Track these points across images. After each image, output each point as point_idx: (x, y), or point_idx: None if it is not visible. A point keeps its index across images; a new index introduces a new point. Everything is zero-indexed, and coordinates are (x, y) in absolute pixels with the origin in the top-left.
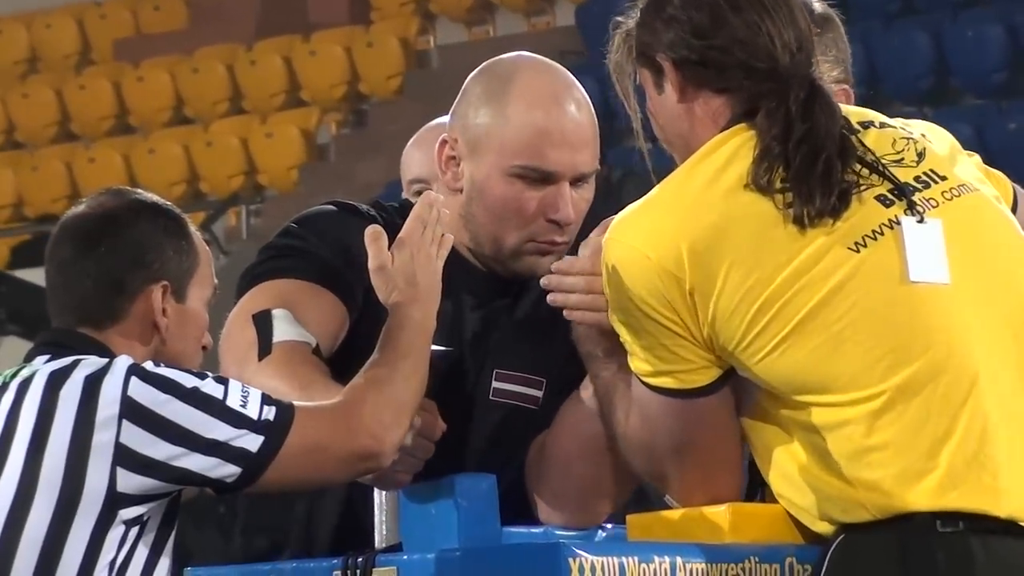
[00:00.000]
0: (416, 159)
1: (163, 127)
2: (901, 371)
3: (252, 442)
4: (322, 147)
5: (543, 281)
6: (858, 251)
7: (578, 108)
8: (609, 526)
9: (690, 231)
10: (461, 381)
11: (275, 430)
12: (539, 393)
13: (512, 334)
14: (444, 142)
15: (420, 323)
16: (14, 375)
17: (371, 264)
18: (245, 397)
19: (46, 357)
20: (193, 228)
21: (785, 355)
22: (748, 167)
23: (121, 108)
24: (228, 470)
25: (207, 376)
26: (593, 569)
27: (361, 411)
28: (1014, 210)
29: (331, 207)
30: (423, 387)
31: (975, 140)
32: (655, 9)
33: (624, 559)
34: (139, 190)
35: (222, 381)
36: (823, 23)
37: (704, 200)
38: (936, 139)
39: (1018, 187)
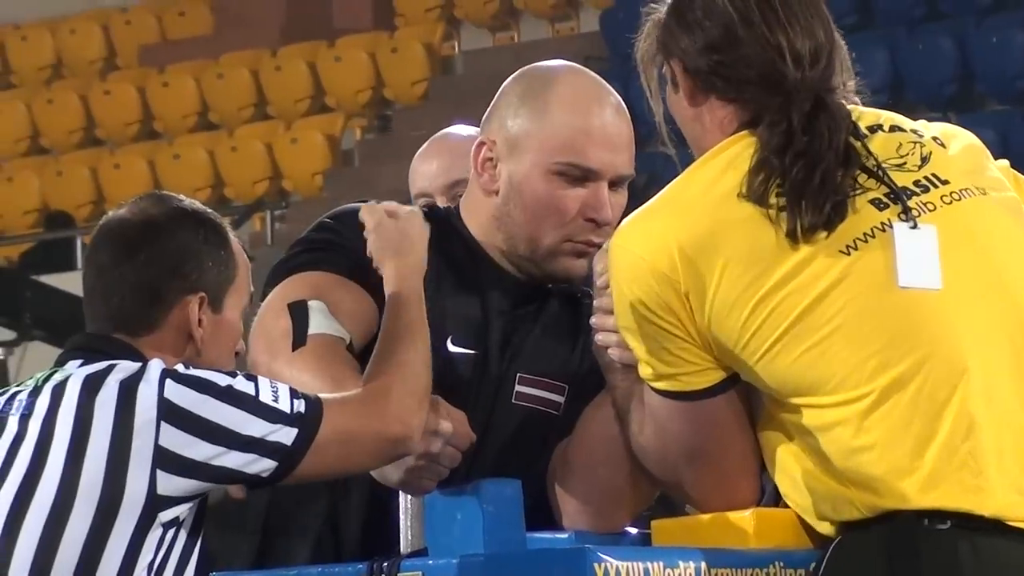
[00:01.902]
0: (421, 172)
1: (188, 132)
2: (888, 372)
3: (286, 435)
4: (347, 152)
5: (593, 321)
6: (848, 254)
7: (617, 111)
8: (634, 531)
9: (684, 234)
10: (485, 383)
11: (307, 422)
12: (560, 399)
13: (537, 339)
14: (481, 144)
15: (419, 298)
16: (47, 379)
17: (368, 224)
18: (275, 392)
19: (79, 361)
20: (233, 236)
21: (777, 358)
22: (744, 175)
23: (146, 113)
24: (264, 465)
25: (237, 374)
26: (618, 574)
27: (388, 398)
28: None
29: (367, 204)
30: (430, 364)
31: (999, 145)
32: (679, 12)
33: (649, 564)
34: (181, 196)
35: (251, 378)
36: None
37: (699, 205)
38: (952, 142)
39: None
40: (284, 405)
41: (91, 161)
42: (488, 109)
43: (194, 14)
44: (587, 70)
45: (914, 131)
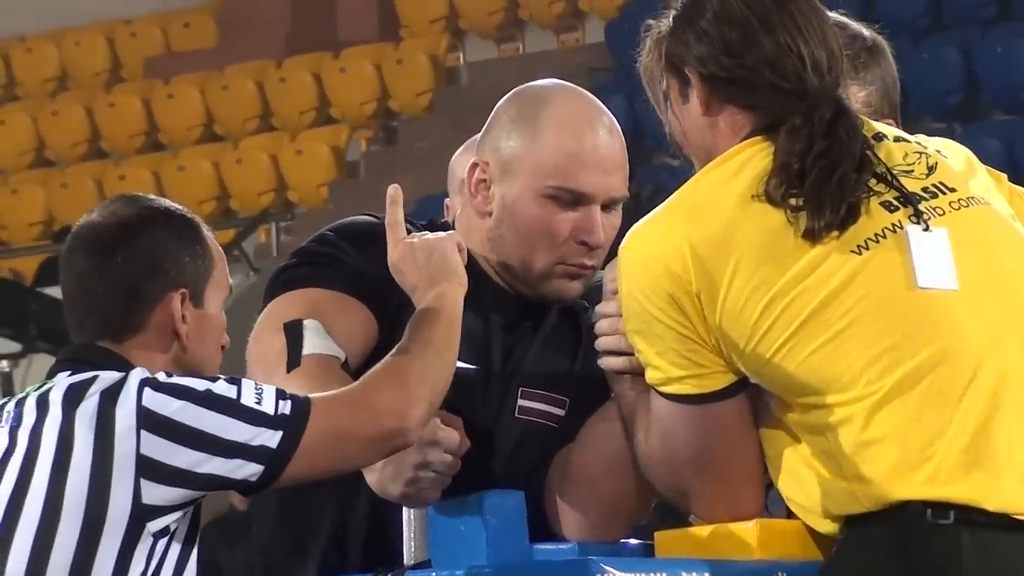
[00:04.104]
0: (468, 157)
1: (193, 144)
2: (899, 368)
3: (271, 438)
4: (352, 164)
5: (597, 326)
6: (860, 254)
7: (610, 133)
8: (636, 542)
9: (696, 234)
10: (488, 398)
11: (293, 423)
12: (561, 412)
13: (537, 354)
14: (475, 165)
15: (455, 303)
16: (36, 390)
17: (394, 255)
18: (259, 394)
19: (67, 373)
20: (207, 230)
21: (789, 356)
22: (758, 176)
23: (151, 125)
24: (251, 469)
25: (219, 378)
26: None
27: (379, 391)
28: None
29: (370, 217)
30: (453, 364)
31: (1004, 155)
32: (688, 21)
33: (652, 575)
34: (151, 196)
35: (234, 381)
36: (875, 52)
37: (710, 205)
38: (952, 155)
39: None
40: (268, 407)
41: (96, 173)
42: (483, 129)
43: (199, 26)
44: (581, 90)
45: (918, 143)
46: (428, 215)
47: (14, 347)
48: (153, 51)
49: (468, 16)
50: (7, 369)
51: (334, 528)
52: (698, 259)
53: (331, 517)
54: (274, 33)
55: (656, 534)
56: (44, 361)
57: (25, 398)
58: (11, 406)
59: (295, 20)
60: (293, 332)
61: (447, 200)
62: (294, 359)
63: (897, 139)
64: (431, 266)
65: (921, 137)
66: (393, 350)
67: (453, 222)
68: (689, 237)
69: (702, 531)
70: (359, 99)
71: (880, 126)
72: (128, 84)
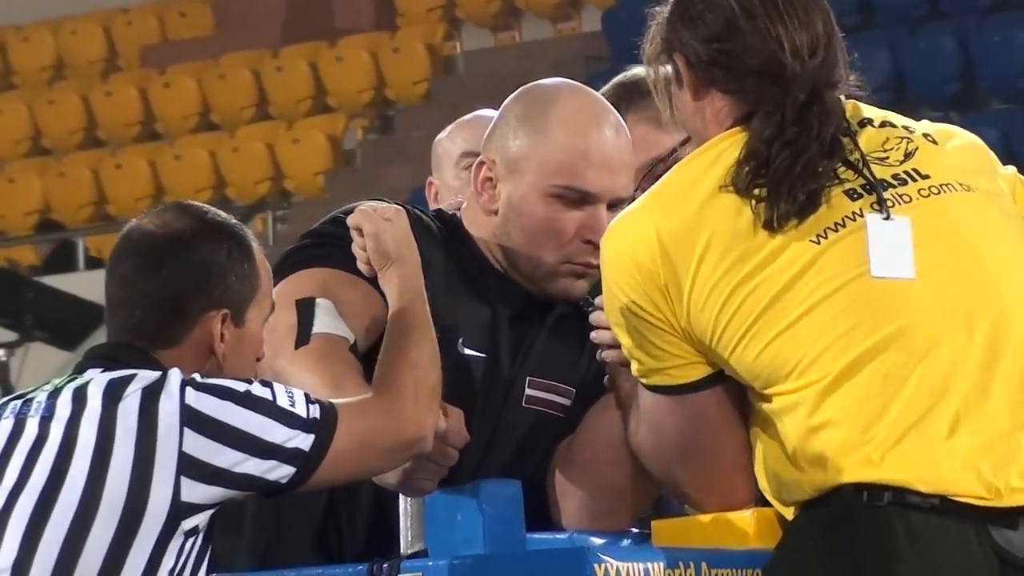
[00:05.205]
0: (464, 137)
1: (189, 133)
2: (849, 353)
3: (304, 441)
4: (348, 153)
5: (592, 318)
6: (819, 243)
7: (617, 132)
8: (634, 531)
9: (663, 227)
10: (496, 387)
11: (323, 428)
12: (568, 401)
13: (545, 344)
14: (481, 163)
15: (424, 299)
16: (68, 382)
17: (368, 230)
18: (291, 397)
19: (99, 369)
20: (255, 245)
21: (749, 346)
22: (729, 167)
23: (147, 114)
24: (283, 471)
25: (253, 380)
26: (619, 574)
27: (402, 401)
28: None
29: (382, 202)
30: (439, 364)
31: (1001, 144)
32: (682, 9)
33: (649, 565)
34: (205, 206)
35: (266, 384)
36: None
37: (682, 198)
38: (948, 141)
39: None
40: (301, 410)
41: (92, 162)
42: (489, 127)
43: (195, 14)
44: (588, 89)
45: (905, 127)
46: (425, 204)
47: (10, 336)
48: (149, 40)
49: (465, 5)
50: (3, 358)
51: (333, 516)
52: (665, 252)
53: (330, 505)
54: (271, 22)
55: (653, 523)
56: (40, 350)
57: (58, 390)
58: (42, 397)
59: (291, 9)
60: (305, 309)
61: (430, 178)
62: (303, 336)
63: (883, 124)
64: (393, 243)
65: (924, 123)
66: (399, 347)
67: (438, 201)
68: (658, 230)
69: (700, 520)
70: (356, 88)
71: (870, 110)
72: (124, 73)
